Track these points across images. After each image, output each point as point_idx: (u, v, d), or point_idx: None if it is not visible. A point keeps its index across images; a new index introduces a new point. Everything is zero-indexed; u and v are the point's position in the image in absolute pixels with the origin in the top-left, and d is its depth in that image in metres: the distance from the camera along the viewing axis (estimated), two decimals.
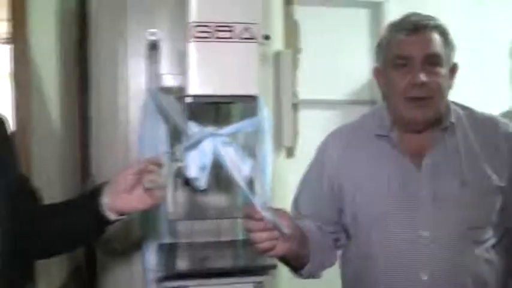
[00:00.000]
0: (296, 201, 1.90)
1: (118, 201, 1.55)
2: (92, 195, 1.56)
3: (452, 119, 1.74)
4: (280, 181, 2.52)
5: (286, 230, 1.50)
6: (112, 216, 1.55)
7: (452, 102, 1.81)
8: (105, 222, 1.56)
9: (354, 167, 1.80)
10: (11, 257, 1.44)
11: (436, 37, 1.70)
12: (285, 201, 2.27)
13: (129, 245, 2.32)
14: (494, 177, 1.69)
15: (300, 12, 3.27)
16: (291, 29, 3.13)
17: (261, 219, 1.47)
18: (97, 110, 2.52)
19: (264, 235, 1.50)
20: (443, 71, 1.70)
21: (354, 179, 1.78)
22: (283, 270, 1.94)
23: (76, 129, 2.78)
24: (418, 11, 2.85)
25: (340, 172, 1.81)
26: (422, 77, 1.65)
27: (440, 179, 1.70)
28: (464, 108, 1.82)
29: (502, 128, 1.77)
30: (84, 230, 1.61)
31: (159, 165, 1.54)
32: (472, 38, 3.44)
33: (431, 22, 1.71)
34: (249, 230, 1.51)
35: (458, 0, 3.52)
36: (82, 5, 2.76)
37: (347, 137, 1.86)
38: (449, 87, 1.75)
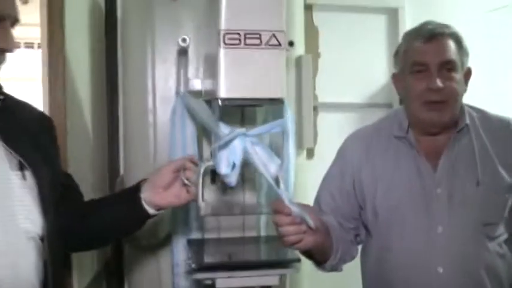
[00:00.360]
0: (318, 198, 2.00)
1: (156, 196, 1.68)
2: (133, 191, 1.69)
3: (467, 121, 1.83)
4: (301, 181, 2.60)
5: (312, 223, 1.60)
6: (151, 210, 1.68)
7: (466, 105, 1.90)
8: (145, 216, 1.69)
9: (374, 166, 1.90)
10: (57, 247, 1.56)
11: (451, 44, 1.79)
12: (305, 200, 2.36)
13: (156, 241, 2.42)
14: (506, 176, 1.78)
15: (320, 18, 3.36)
16: (311, 35, 3.25)
17: (289, 213, 1.58)
18: (126, 112, 2.63)
19: (291, 228, 1.61)
20: (458, 76, 1.79)
21: (374, 177, 1.88)
22: (306, 264, 2.04)
23: (105, 131, 2.89)
24: (433, 17, 2.95)
25: (361, 171, 1.91)
26: (439, 83, 1.75)
27: (455, 178, 1.79)
28: (477, 110, 1.91)
29: None
30: (126, 222, 1.74)
31: (195, 163, 1.66)
32: (485, 43, 3.51)
33: (446, 30, 1.81)
34: (277, 224, 1.61)
35: (473, 6, 3.58)
36: (111, 11, 2.88)
37: (368, 137, 1.96)
38: (464, 91, 1.84)
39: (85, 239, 1.77)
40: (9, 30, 1.48)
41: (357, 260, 2.06)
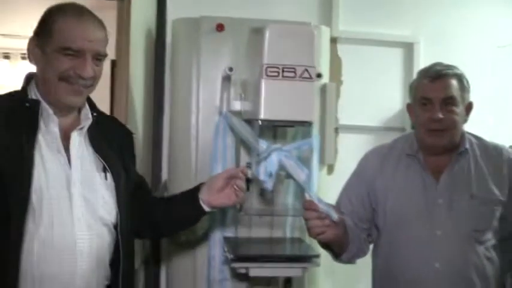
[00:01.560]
0: (339, 202, 2.36)
1: (211, 197, 2.04)
2: (193, 192, 2.05)
3: (467, 146, 2.19)
4: (321, 193, 2.91)
5: (336, 217, 1.98)
6: (206, 208, 2.04)
7: (468, 133, 2.26)
8: (201, 212, 2.06)
9: (387, 177, 2.26)
10: (127, 233, 1.92)
11: (454, 83, 2.14)
12: None
13: (194, 237, 2.74)
14: (496, 192, 2.13)
15: (343, 50, 3.57)
16: (336, 64, 3.47)
17: (316, 209, 1.96)
18: (172, 127, 2.99)
19: (318, 222, 1.98)
20: (458, 109, 2.15)
21: (387, 186, 2.24)
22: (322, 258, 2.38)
23: (150, 142, 3.22)
24: (446, 52, 3.29)
25: (376, 180, 2.28)
26: (440, 114, 2.12)
27: (454, 192, 2.15)
28: (477, 138, 2.27)
29: (505, 155, 2.22)
30: (186, 218, 2.11)
31: (244, 174, 2.03)
32: (494, 76, 3.76)
33: (450, 71, 2.16)
34: (306, 218, 1.99)
35: (484, 42, 3.78)
36: (161, 36, 3.23)
37: (383, 153, 2.33)
38: (465, 121, 2.20)
39: (151, 229, 2.14)
40: (89, 61, 1.78)
41: (367, 256, 2.40)
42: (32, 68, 1.86)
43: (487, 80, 3.70)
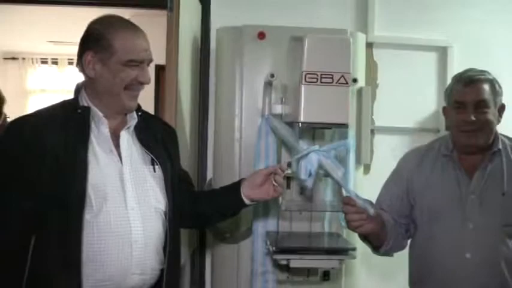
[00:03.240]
0: (379, 199, 2.51)
1: (252, 191, 2.21)
2: (236, 185, 2.23)
3: (499, 146, 2.32)
4: (358, 192, 3.07)
5: (372, 212, 2.14)
6: (247, 201, 2.22)
7: (502, 134, 2.39)
8: (242, 205, 2.23)
9: (425, 175, 2.41)
10: (174, 221, 2.09)
11: (485, 88, 2.28)
12: None
13: (238, 233, 2.96)
14: None
15: (379, 54, 3.68)
16: (371, 68, 3.60)
17: (354, 204, 2.13)
18: (217, 129, 3.19)
19: (356, 216, 2.15)
20: (490, 111, 2.28)
21: (424, 183, 2.40)
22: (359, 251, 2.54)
23: (196, 143, 3.42)
24: (477, 55, 3.37)
25: (414, 178, 2.43)
26: (472, 117, 2.27)
27: (486, 189, 2.28)
28: (509, 139, 2.39)
29: None
30: (227, 209, 2.28)
31: (283, 171, 2.20)
32: None
33: (482, 77, 2.30)
34: (345, 212, 2.16)
35: None
36: (206, 43, 3.46)
37: (421, 154, 2.48)
38: (498, 122, 2.32)
39: (194, 218, 2.29)
40: (147, 69, 2.02)
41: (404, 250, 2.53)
42: (79, 76, 2.05)
43: None
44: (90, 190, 1.86)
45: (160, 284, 2.02)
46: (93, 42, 1.95)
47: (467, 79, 2.33)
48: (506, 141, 2.38)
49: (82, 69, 1.99)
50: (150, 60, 2.03)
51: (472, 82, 2.31)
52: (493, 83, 2.32)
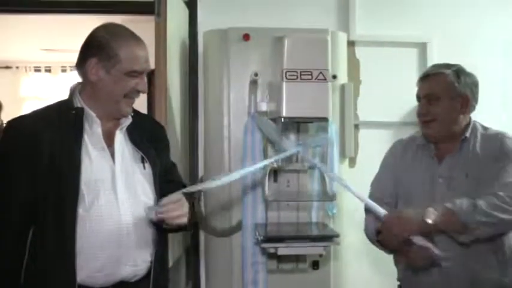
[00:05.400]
0: (373, 182, 2.66)
1: None
2: None
3: (467, 135, 2.44)
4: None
5: (383, 212, 2.31)
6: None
7: (478, 123, 2.50)
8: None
9: (405, 162, 2.56)
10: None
11: (438, 82, 2.43)
12: (349, 202, 3.00)
13: (229, 227, 3.08)
14: (490, 172, 2.35)
15: (361, 52, 3.80)
16: (354, 65, 3.72)
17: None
18: (206, 128, 3.29)
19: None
20: (442, 103, 2.41)
21: (404, 169, 2.55)
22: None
23: (187, 141, 3.52)
24: (457, 49, 3.51)
25: (397, 165, 2.59)
26: (420, 110, 2.45)
27: (453, 173, 2.41)
28: (485, 128, 2.50)
29: (504, 142, 2.41)
30: None
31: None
32: (505, 69, 3.93)
33: (439, 71, 2.44)
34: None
35: (495, 40, 3.94)
36: (194, 46, 3.57)
37: (405, 144, 2.63)
38: (458, 112, 2.43)
39: None
40: (145, 78, 2.12)
41: None
42: (73, 80, 2.17)
43: (499, 76, 3.89)
44: (83, 186, 1.97)
45: (150, 275, 2.12)
46: (98, 49, 2.04)
47: (423, 74, 2.51)
48: (481, 130, 2.49)
49: (82, 72, 2.08)
50: (149, 70, 2.14)
51: (425, 77, 2.48)
52: (450, 76, 2.44)
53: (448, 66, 2.48)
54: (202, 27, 3.50)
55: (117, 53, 2.03)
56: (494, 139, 2.44)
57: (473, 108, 2.49)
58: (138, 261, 2.08)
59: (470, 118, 2.50)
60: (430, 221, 2.20)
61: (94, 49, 2.05)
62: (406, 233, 2.25)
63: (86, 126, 2.06)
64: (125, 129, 2.15)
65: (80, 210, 1.96)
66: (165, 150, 2.36)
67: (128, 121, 2.15)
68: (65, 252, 1.94)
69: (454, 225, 2.23)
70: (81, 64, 2.08)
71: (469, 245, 2.28)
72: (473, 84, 2.47)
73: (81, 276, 1.96)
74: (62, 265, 1.94)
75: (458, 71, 2.46)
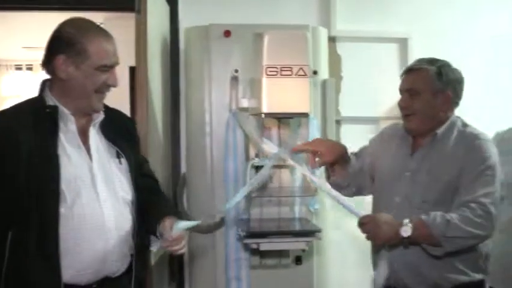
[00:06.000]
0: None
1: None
2: (156, 222, 2.15)
3: (437, 131, 2.43)
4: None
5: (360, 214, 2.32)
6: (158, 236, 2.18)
7: (460, 119, 2.48)
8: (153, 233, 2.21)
9: (383, 150, 2.60)
10: (139, 207, 2.18)
11: (419, 76, 2.43)
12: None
13: (213, 223, 3.06)
14: (451, 171, 2.35)
15: (342, 48, 3.82)
16: (335, 61, 3.73)
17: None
18: (188, 124, 3.32)
19: None
20: (422, 98, 2.41)
21: (381, 155, 2.59)
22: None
23: (169, 138, 3.52)
24: (438, 45, 3.55)
25: (375, 150, 2.63)
26: (401, 103, 2.47)
27: (419, 168, 2.42)
28: (464, 125, 2.47)
29: (476, 146, 2.37)
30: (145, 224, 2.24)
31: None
32: (486, 66, 3.96)
33: (421, 66, 2.44)
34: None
35: (475, 34, 3.98)
36: (175, 42, 3.58)
37: (385, 134, 2.67)
38: (438, 109, 2.42)
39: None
40: (115, 72, 2.11)
41: None
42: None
43: (481, 72, 3.90)
44: (64, 185, 1.96)
45: (131, 269, 2.14)
46: (66, 45, 2.02)
47: (405, 69, 2.52)
48: (460, 127, 2.47)
49: (51, 69, 2.06)
50: (117, 64, 2.12)
51: (408, 71, 2.49)
52: (432, 72, 2.42)
53: (432, 61, 2.47)
54: (183, 24, 3.52)
55: (86, 48, 2.01)
56: (467, 140, 2.41)
57: (456, 105, 2.49)
58: (121, 256, 2.09)
59: (453, 115, 2.49)
60: (405, 235, 2.22)
61: (62, 45, 2.02)
62: (378, 241, 2.32)
63: (61, 124, 2.04)
64: (98, 125, 2.14)
65: (62, 210, 1.95)
66: (138, 144, 2.37)
67: (100, 117, 2.14)
68: (49, 253, 1.93)
69: (426, 239, 2.26)
70: (48, 61, 2.06)
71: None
72: (457, 81, 2.46)
73: (67, 276, 1.95)
74: (46, 266, 1.93)
75: (442, 67, 2.45)
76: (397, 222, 2.25)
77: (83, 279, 2.00)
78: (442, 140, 2.44)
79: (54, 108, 2.04)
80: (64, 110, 2.05)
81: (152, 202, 2.25)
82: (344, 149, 2.59)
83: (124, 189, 2.13)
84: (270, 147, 2.57)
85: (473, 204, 2.24)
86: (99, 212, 2.02)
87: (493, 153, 2.36)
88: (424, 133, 2.47)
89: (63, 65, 2.02)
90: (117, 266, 2.08)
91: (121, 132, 2.22)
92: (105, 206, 2.04)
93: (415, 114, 2.44)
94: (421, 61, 2.50)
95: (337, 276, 3.59)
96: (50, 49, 2.05)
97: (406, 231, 2.22)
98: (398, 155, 2.52)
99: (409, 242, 2.26)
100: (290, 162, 2.42)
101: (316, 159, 2.48)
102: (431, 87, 2.42)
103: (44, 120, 2.02)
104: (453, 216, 2.22)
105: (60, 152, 1.99)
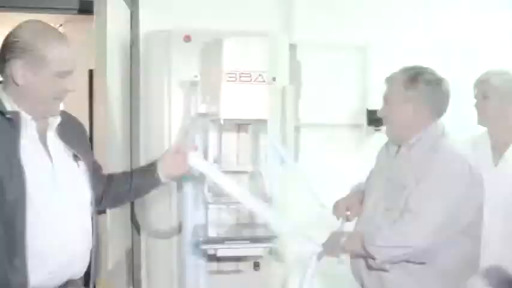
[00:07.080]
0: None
1: (166, 169, 2.40)
2: (151, 166, 2.43)
3: (410, 141, 2.42)
4: (286, 185, 3.25)
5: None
6: (164, 179, 2.40)
7: (440, 131, 2.44)
8: (158, 183, 2.42)
9: (378, 160, 2.65)
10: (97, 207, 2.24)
11: (394, 85, 2.44)
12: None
13: (170, 228, 3.10)
14: (409, 182, 2.35)
15: (302, 55, 3.82)
16: (295, 68, 3.74)
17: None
18: (147, 129, 3.31)
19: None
20: (394, 107, 2.43)
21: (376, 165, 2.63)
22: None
23: (128, 142, 3.50)
24: (396, 53, 3.56)
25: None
26: (378, 111, 2.51)
27: (392, 176, 2.46)
28: (438, 137, 2.43)
29: (439, 155, 2.36)
30: (143, 187, 2.47)
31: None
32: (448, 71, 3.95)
33: (395, 75, 2.47)
34: None
35: (433, 41, 3.98)
36: (135, 45, 3.53)
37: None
38: (410, 117, 2.41)
39: (110, 199, 2.43)
40: (72, 77, 2.08)
41: None
42: None
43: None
44: (29, 190, 1.93)
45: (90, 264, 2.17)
46: (23, 51, 1.96)
47: (386, 78, 2.52)
48: (437, 137, 2.42)
49: (5, 74, 2.00)
50: (75, 69, 2.10)
51: (386, 81, 2.50)
52: (402, 81, 2.42)
53: (406, 70, 2.46)
54: (144, 27, 3.50)
55: (45, 54, 1.97)
56: (433, 152, 2.38)
57: (436, 113, 2.45)
58: (84, 258, 2.11)
59: (434, 123, 2.45)
60: (341, 243, 2.33)
61: (18, 51, 1.97)
62: (333, 254, 2.41)
63: (22, 130, 2.01)
64: (55, 128, 2.13)
65: (29, 215, 1.93)
66: (90, 147, 2.42)
67: (57, 120, 2.12)
68: (17, 262, 1.91)
69: (357, 248, 2.31)
70: (2, 66, 2.00)
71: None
72: (434, 91, 2.42)
73: (34, 281, 1.93)
74: (14, 272, 1.91)
75: (417, 76, 2.42)
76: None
77: (50, 284, 2.00)
78: (412, 149, 2.43)
79: (16, 114, 2.00)
80: (26, 116, 2.01)
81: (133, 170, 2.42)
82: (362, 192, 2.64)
83: (84, 191, 2.15)
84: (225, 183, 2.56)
85: (407, 214, 2.26)
86: (63, 216, 2.02)
87: (455, 169, 2.33)
88: (401, 141, 2.48)
89: (20, 72, 1.97)
90: (79, 267, 2.10)
91: (75, 135, 2.22)
92: (70, 209, 2.05)
93: (390, 123, 2.47)
94: (401, 69, 2.49)
95: (296, 282, 3.56)
96: (4, 54, 1.99)
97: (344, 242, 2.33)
98: (381, 163, 2.59)
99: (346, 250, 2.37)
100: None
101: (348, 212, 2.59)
102: (399, 96, 2.43)
103: (4, 126, 1.98)
104: (386, 226, 2.27)
105: (23, 157, 1.96)
